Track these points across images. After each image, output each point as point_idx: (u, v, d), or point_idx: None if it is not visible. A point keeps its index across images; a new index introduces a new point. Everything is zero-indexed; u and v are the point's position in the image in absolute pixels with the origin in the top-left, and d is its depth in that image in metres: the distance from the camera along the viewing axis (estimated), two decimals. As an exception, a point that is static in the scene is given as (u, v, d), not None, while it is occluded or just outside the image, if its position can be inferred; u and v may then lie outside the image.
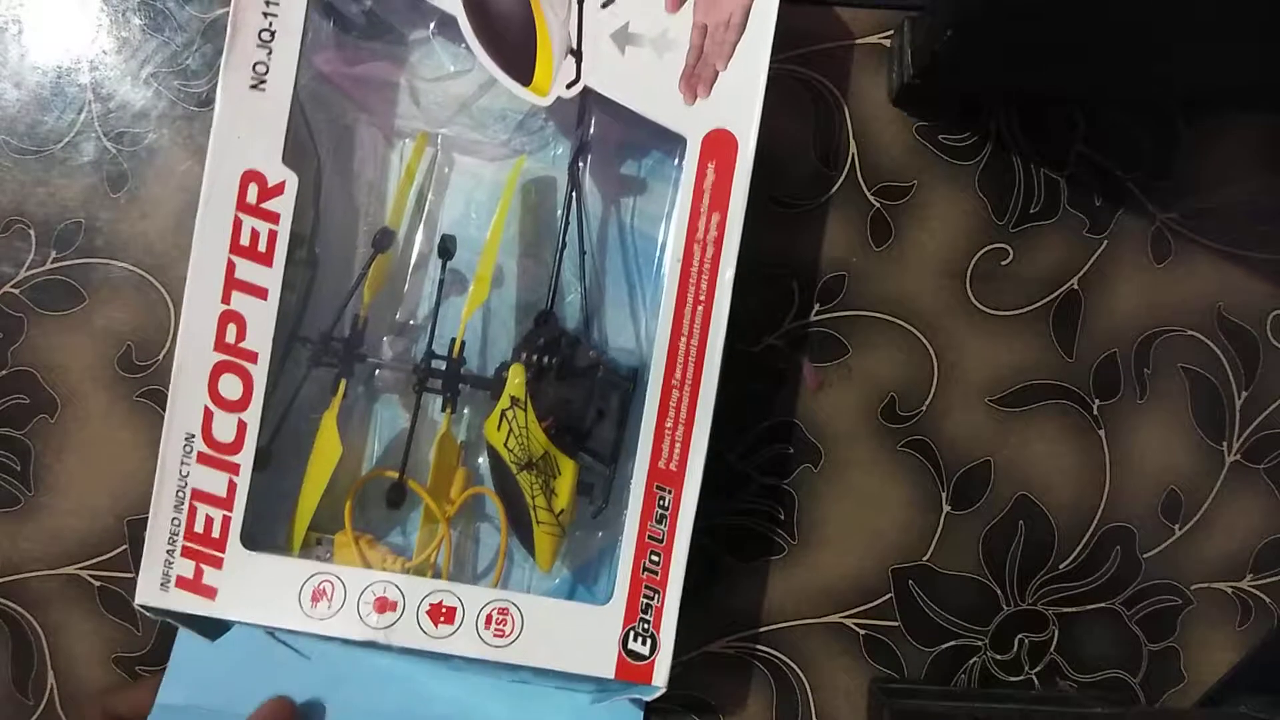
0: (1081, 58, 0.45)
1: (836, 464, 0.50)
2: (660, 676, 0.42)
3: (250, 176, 0.42)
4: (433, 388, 0.46)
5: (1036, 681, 0.51)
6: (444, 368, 0.46)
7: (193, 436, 0.42)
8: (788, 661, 0.50)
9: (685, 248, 0.42)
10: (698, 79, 0.42)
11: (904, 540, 0.50)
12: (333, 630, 0.42)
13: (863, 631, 0.50)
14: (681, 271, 0.42)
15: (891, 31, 0.49)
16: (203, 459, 0.42)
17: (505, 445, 0.44)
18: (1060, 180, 0.50)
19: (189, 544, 0.42)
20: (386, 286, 0.47)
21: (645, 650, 0.42)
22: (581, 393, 0.45)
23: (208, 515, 0.42)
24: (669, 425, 0.43)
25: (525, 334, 0.47)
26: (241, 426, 0.42)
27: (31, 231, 0.50)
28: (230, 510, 0.42)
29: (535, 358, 0.45)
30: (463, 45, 0.43)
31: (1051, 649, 0.51)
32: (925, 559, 0.50)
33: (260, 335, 0.42)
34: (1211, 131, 0.50)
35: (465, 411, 0.48)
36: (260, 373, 0.42)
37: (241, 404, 0.42)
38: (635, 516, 0.43)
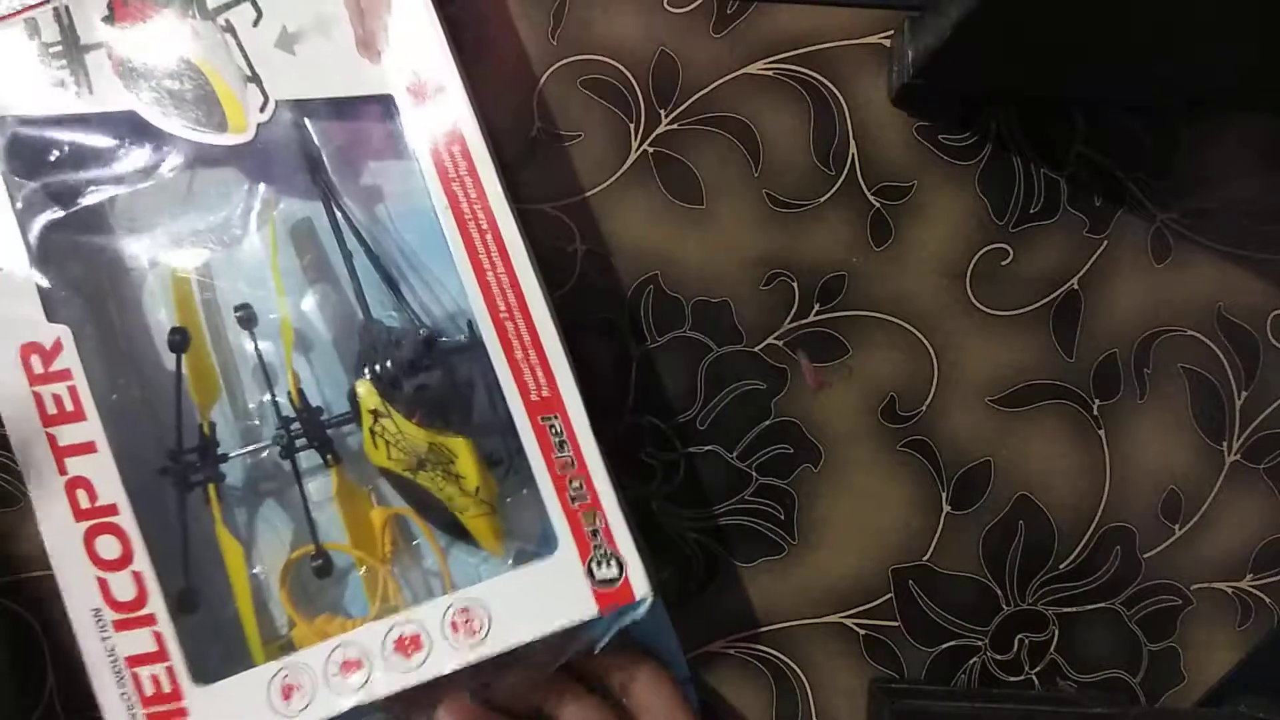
0: (1081, 58, 0.45)
1: (836, 464, 0.50)
2: (640, 588, 0.42)
3: (28, 350, 0.42)
4: (303, 447, 0.46)
5: (1036, 681, 0.51)
6: (301, 424, 0.45)
7: (98, 610, 0.42)
8: (788, 661, 0.50)
9: (446, 192, 0.42)
10: (372, 36, 0.43)
11: (904, 540, 0.50)
12: (319, 715, 0.41)
13: (863, 631, 0.50)
14: (454, 214, 0.42)
15: (891, 31, 0.49)
16: (119, 625, 0.42)
17: (390, 459, 0.44)
18: (1060, 180, 0.50)
19: (149, 710, 0.42)
20: (213, 382, 0.47)
21: (614, 572, 0.42)
22: (433, 374, 0.45)
23: (152, 674, 0.42)
24: (519, 355, 0.42)
25: (356, 352, 0.46)
26: (138, 577, 0.42)
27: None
28: (168, 660, 0.42)
29: (375, 367, 0.45)
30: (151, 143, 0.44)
31: (1051, 649, 0.51)
32: (925, 559, 0.50)
33: (110, 487, 0.42)
34: (1211, 131, 0.50)
35: (350, 451, 0.47)
36: (128, 520, 0.42)
37: (125, 558, 0.42)
38: (537, 455, 0.42)
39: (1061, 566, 0.51)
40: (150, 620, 0.42)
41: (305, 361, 0.47)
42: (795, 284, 0.50)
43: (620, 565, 0.42)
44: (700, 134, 0.50)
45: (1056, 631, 0.51)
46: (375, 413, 0.44)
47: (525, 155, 0.50)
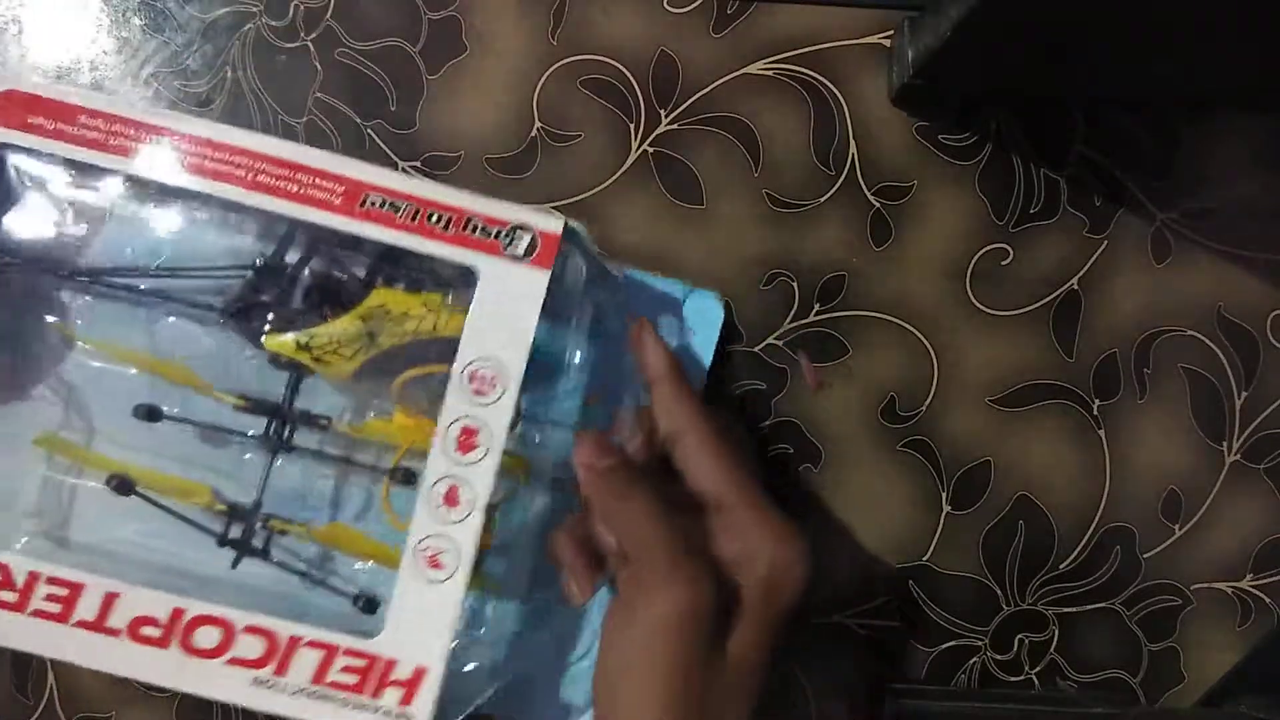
0: (1081, 58, 0.45)
1: (836, 464, 0.50)
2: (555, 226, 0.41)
3: None
4: (296, 445, 0.45)
5: (1036, 681, 0.51)
6: (269, 417, 0.45)
7: None
8: (788, 661, 0.50)
9: None
10: None
11: (904, 540, 0.50)
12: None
13: (863, 631, 0.50)
14: None
15: (891, 31, 0.49)
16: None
17: (350, 357, 0.43)
18: (1060, 180, 0.50)
19: None
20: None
21: (525, 242, 0.42)
22: (299, 280, 0.44)
23: None
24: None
25: (247, 330, 0.44)
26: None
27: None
28: None
29: (264, 325, 0.44)
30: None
31: (1051, 649, 0.51)
32: (925, 559, 0.50)
33: None
34: (1211, 131, 0.50)
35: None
36: None
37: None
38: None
39: (1061, 566, 0.51)
40: None
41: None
42: (795, 284, 0.50)
43: (532, 242, 0.42)
44: (700, 134, 0.50)
45: (1056, 631, 0.51)
46: (301, 346, 0.43)
47: (525, 155, 0.50)
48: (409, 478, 0.45)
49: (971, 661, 0.51)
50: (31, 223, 0.46)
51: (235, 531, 0.45)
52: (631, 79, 0.50)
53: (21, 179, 0.45)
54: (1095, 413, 0.50)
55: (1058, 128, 0.50)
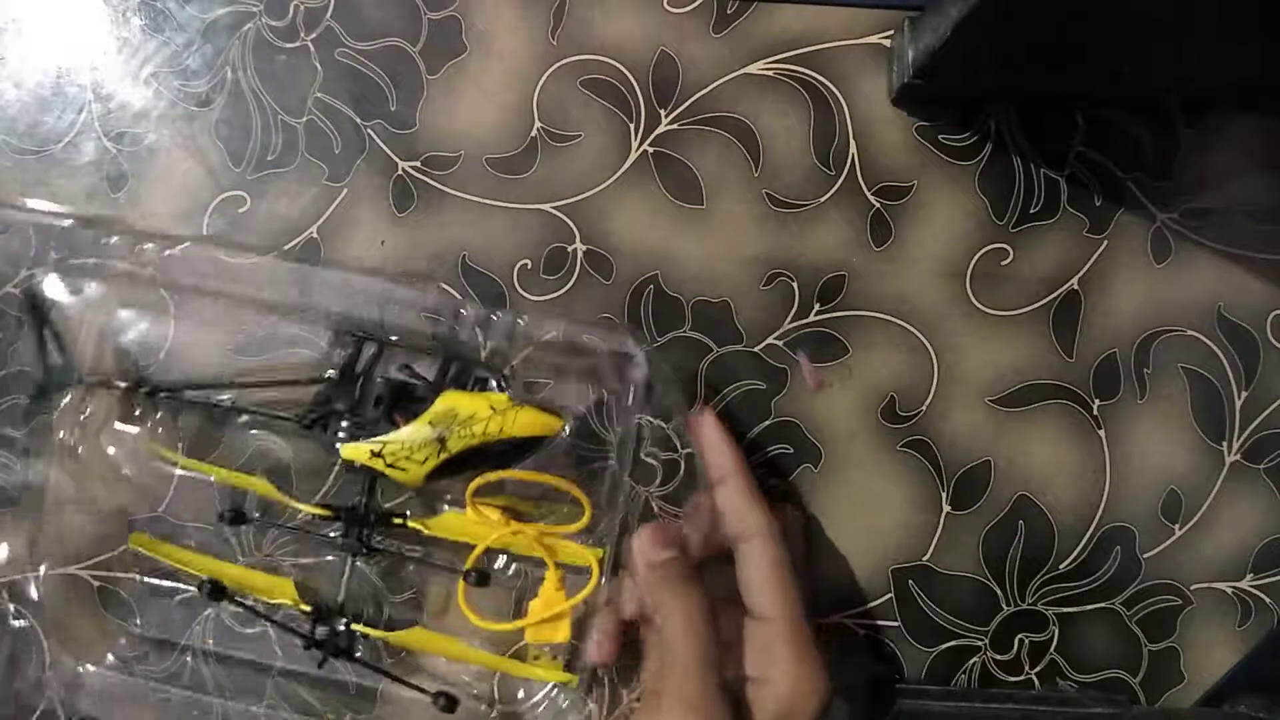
0: (1081, 57, 0.45)
1: (836, 464, 0.50)
2: None
3: None
4: (375, 545, 0.47)
5: (1036, 681, 0.51)
6: (345, 523, 0.47)
7: None
8: (788, 661, 0.50)
9: None
10: None
11: (904, 540, 0.50)
12: None
13: (863, 631, 0.50)
14: None
15: (891, 31, 0.49)
16: None
17: (423, 463, 0.45)
18: (1060, 180, 0.50)
19: None
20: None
21: None
22: (370, 389, 0.46)
23: None
24: None
25: (321, 434, 0.47)
26: None
27: (32, 230, 0.50)
28: None
29: (338, 433, 0.46)
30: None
31: (1051, 649, 0.51)
32: (925, 559, 0.50)
33: None
34: (1211, 131, 0.50)
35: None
36: None
37: None
38: None
39: (1061, 566, 0.51)
40: None
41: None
42: (795, 284, 0.50)
43: None
44: (700, 134, 0.50)
45: (1056, 631, 0.51)
46: (375, 454, 0.45)
47: (525, 155, 0.50)
48: (483, 579, 0.48)
49: (971, 661, 0.51)
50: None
51: (321, 632, 0.47)
52: (631, 79, 0.50)
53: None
54: (1095, 413, 0.50)
55: (1058, 128, 0.50)
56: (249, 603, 0.47)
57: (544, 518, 0.48)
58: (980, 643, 0.51)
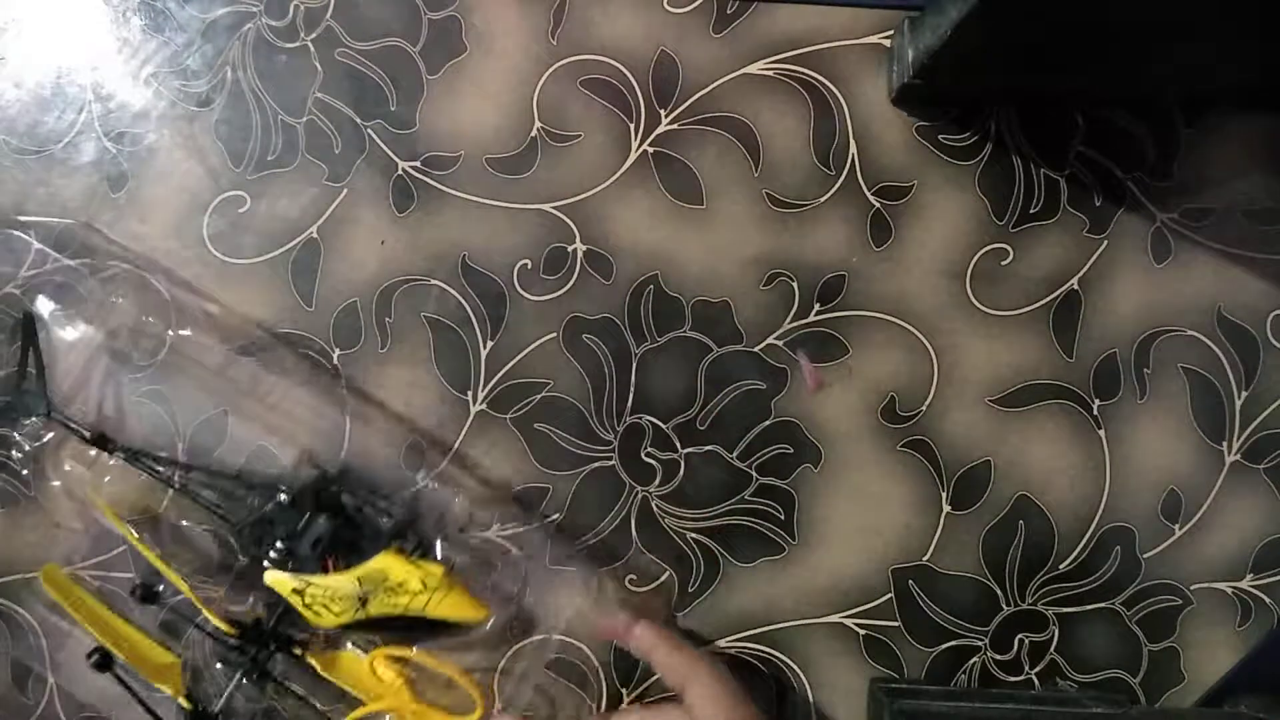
0: (1081, 57, 0.45)
1: (836, 464, 0.50)
2: None
3: None
4: (266, 658, 0.46)
5: (1036, 681, 0.51)
6: (250, 643, 0.46)
7: None
8: (788, 661, 0.50)
9: None
10: None
11: (904, 540, 0.50)
12: None
13: (863, 631, 0.50)
14: None
15: (891, 31, 0.49)
16: None
17: (336, 615, 0.45)
18: (1060, 180, 0.50)
19: None
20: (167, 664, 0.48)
21: None
22: (315, 523, 0.46)
23: None
24: None
25: (241, 549, 0.47)
26: None
27: (31, 231, 0.50)
28: None
29: (269, 553, 0.46)
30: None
31: (1051, 649, 0.51)
32: (925, 559, 0.50)
33: None
34: (1211, 131, 0.50)
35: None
36: None
37: None
38: None
39: (1061, 566, 0.50)
40: None
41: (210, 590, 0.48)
42: (795, 284, 0.50)
43: None
44: (700, 134, 0.50)
45: (1056, 631, 0.51)
46: (296, 590, 0.45)
47: (525, 155, 0.50)
48: None
49: (971, 661, 0.51)
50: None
51: None
52: (631, 79, 0.50)
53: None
54: (1095, 413, 0.50)
55: (1058, 128, 0.50)
56: (129, 684, 0.46)
57: (439, 697, 0.48)
58: (980, 643, 0.51)
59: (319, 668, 0.47)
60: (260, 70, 0.50)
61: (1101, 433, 0.50)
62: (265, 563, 0.46)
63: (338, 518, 0.46)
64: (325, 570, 0.45)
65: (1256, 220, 0.50)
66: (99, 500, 0.48)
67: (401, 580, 0.45)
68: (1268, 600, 0.51)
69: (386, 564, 0.45)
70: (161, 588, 0.48)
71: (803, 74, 0.50)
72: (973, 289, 0.50)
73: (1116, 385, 0.50)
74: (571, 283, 0.50)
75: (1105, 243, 0.50)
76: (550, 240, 0.50)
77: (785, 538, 0.50)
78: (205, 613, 0.46)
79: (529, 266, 0.50)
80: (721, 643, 0.50)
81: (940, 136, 0.50)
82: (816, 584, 0.50)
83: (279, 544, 0.46)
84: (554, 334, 0.50)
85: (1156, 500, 0.50)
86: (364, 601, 0.45)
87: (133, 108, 0.50)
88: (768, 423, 0.50)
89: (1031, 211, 0.50)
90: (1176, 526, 0.50)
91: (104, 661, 0.46)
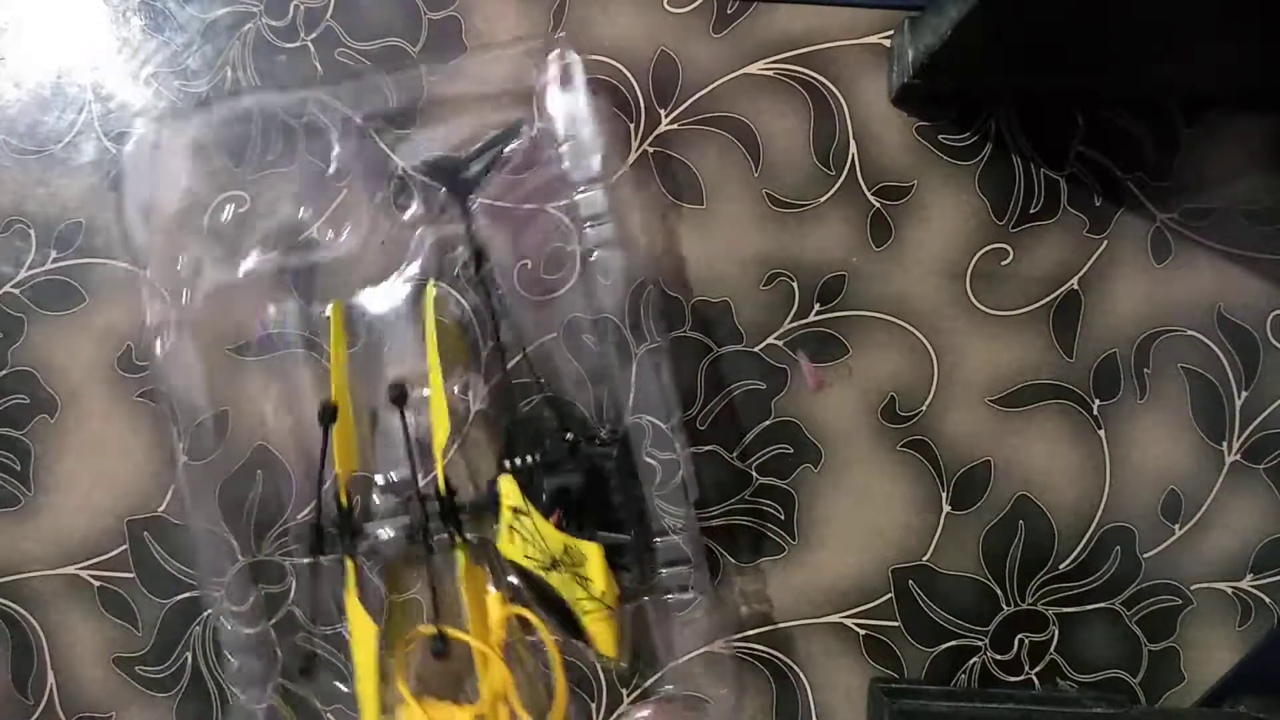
0: (1081, 58, 0.45)
1: (836, 464, 0.50)
2: None
3: None
4: (437, 530, 0.46)
5: (1036, 681, 0.51)
6: (440, 506, 0.46)
7: None
8: (788, 661, 0.50)
9: None
10: None
11: (904, 540, 0.50)
12: None
13: (863, 631, 0.50)
14: None
15: (891, 31, 0.49)
16: None
17: (526, 556, 0.45)
18: (1060, 180, 0.50)
19: None
20: (352, 453, 0.48)
21: None
22: (574, 476, 0.46)
23: None
24: None
25: (503, 444, 0.48)
26: None
27: (32, 231, 0.50)
28: None
29: (518, 461, 0.46)
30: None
31: (1051, 649, 0.51)
32: (925, 559, 0.50)
33: None
34: (1211, 131, 0.50)
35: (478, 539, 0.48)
36: None
37: None
38: None
39: (1061, 566, 0.50)
40: None
41: (451, 445, 0.48)
42: (795, 284, 0.50)
43: None
44: (700, 134, 0.50)
45: (1056, 631, 0.51)
46: (515, 509, 0.45)
47: (525, 155, 0.50)
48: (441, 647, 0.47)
49: (971, 661, 0.51)
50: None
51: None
52: (631, 79, 0.50)
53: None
54: (1095, 413, 0.50)
55: (1058, 128, 0.50)
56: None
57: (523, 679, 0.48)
58: (980, 643, 0.51)
59: (460, 570, 0.47)
60: (260, 70, 0.50)
61: (1101, 433, 0.50)
62: (508, 463, 0.46)
63: (598, 489, 0.46)
64: (547, 516, 0.45)
65: (1256, 220, 0.50)
66: None
67: (591, 578, 0.45)
68: (1268, 600, 0.51)
69: (593, 556, 0.45)
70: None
71: (803, 74, 0.50)
72: (973, 289, 0.50)
73: (1116, 385, 0.50)
74: (572, 283, 0.50)
75: (1105, 243, 0.50)
76: (550, 240, 0.50)
77: (785, 538, 0.50)
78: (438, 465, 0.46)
79: (529, 266, 0.50)
80: (721, 643, 0.50)
81: (940, 136, 0.50)
82: (816, 584, 0.50)
83: (534, 461, 0.46)
84: (554, 334, 0.50)
85: (1156, 500, 0.50)
86: (551, 565, 0.45)
87: (133, 108, 0.50)
88: (768, 423, 0.50)
89: (1031, 211, 0.50)
90: (1176, 526, 0.50)
91: (330, 415, 0.46)
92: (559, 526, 0.45)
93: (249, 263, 0.49)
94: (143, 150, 0.48)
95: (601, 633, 0.46)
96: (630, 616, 0.48)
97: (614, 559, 0.46)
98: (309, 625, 0.48)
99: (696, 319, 0.50)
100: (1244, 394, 0.50)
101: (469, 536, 0.47)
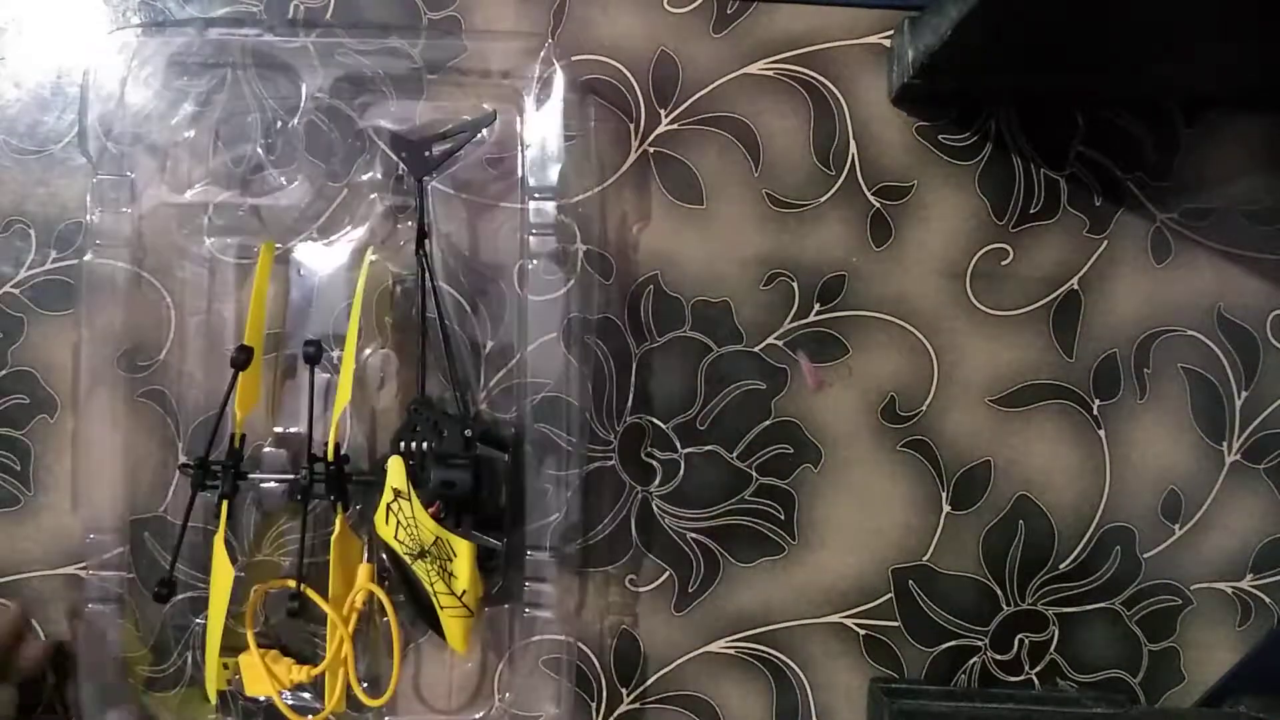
0: (1081, 58, 0.45)
1: (836, 464, 0.50)
2: None
3: None
4: (319, 493, 0.46)
5: (1036, 681, 0.51)
6: (324, 471, 0.46)
7: None
8: (788, 661, 0.50)
9: None
10: None
11: (904, 540, 0.50)
12: None
13: (863, 631, 0.50)
14: None
15: (891, 31, 0.49)
16: None
17: (396, 538, 0.45)
18: (1060, 180, 0.50)
19: None
20: (259, 402, 0.48)
21: None
22: (464, 474, 0.46)
23: None
24: None
25: (401, 424, 0.47)
26: None
27: (32, 231, 0.50)
28: None
29: (411, 445, 0.46)
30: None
31: (1051, 649, 0.51)
32: (925, 559, 0.50)
33: None
34: (1211, 131, 0.50)
35: (361, 509, 0.48)
36: None
37: None
38: None
39: (1061, 566, 0.50)
40: None
41: (350, 411, 0.48)
42: (795, 284, 0.50)
43: None
44: (700, 134, 0.50)
45: (1056, 631, 0.51)
46: (397, 491, 0.45)
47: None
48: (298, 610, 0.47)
49: (971, 661, 0.51)
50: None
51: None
52: (631, 79, 0.50)
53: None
54: (1095, 413, 0.50)
55: (1058, 128, 0.50)
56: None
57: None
58: (980, 643, 0.51)
59: (336, 530, 0.46)
60: (260, 70, 0.50)
61: (1101, 433, 0.50)
62: (401, 446, 0.46)
63: (484, 492, 0.46)
64: (427, 505, 0.45)
65: (1256, 220, 0.50)
66: None
67: (456, 575, 0.45)
68: (1268, 600, 0.51)
69: (464, 555, 0.45)
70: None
71: (803, 74, 0.50)
72: (973, 289, 0.50)
73: (1116, 385, 0.50)
74: (571, 283, 0.50)
75: (1105, 243, 0.50)
76: (551, 240, 0.50)
77: (785, 538, 0.50)
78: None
79: (528, 267, 0.50)
80: (721, 643, 0.50)
81: (940, 136, 0.50)
82: (816, 584, 0.50)
83: (426, 448, 0.46)
84: (554, 334, 0.50)
85: (1156, 500, 0.50)
86: (420, 554, 0.45)
87: (133, 108, 0.50)
88: (768, 423, 0.50)
89: (1031, 211, 0.50)
90: (1176, 526, 0.50)
91: (244, 359, 0.46)
92: (437, 518, 0.45)
93: (196, 189, 0.49)
94: (118, 58, 0.48)
95: (454, 629, 0.46)
96: (488, 618, 0.48)
97: (484, 561, 0.46)
98: (172, 554, 0.47)
99: (696, 319, 0.50)
100: (1244, 394, 0.50)
101: (354, 505, 0.47)
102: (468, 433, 0.46)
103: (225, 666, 0.47)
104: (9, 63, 0.50)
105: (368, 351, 0.49)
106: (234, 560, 0.46)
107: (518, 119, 0.48)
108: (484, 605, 0.47)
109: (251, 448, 0.48)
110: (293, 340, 0.49)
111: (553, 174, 0.47)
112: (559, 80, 0.46)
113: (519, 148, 0.48)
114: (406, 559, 0.45)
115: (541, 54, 0.47)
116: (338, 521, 0.46)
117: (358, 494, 0.47)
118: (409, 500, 0.45)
